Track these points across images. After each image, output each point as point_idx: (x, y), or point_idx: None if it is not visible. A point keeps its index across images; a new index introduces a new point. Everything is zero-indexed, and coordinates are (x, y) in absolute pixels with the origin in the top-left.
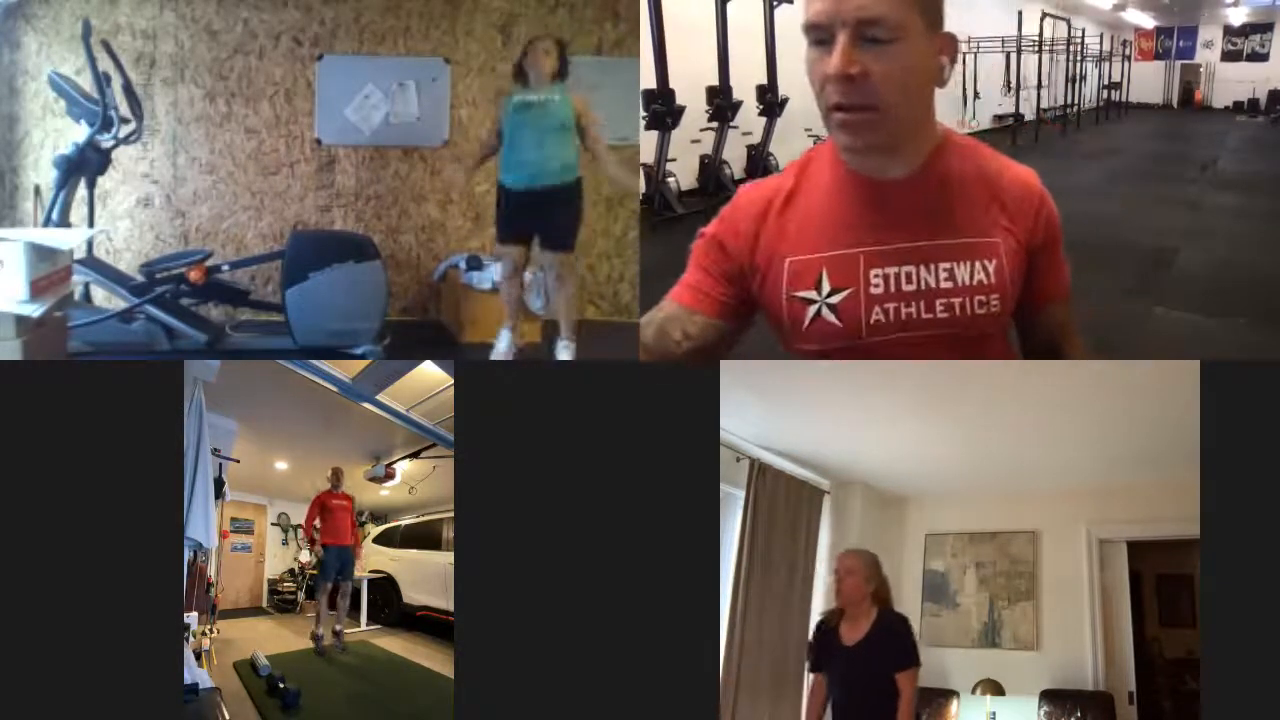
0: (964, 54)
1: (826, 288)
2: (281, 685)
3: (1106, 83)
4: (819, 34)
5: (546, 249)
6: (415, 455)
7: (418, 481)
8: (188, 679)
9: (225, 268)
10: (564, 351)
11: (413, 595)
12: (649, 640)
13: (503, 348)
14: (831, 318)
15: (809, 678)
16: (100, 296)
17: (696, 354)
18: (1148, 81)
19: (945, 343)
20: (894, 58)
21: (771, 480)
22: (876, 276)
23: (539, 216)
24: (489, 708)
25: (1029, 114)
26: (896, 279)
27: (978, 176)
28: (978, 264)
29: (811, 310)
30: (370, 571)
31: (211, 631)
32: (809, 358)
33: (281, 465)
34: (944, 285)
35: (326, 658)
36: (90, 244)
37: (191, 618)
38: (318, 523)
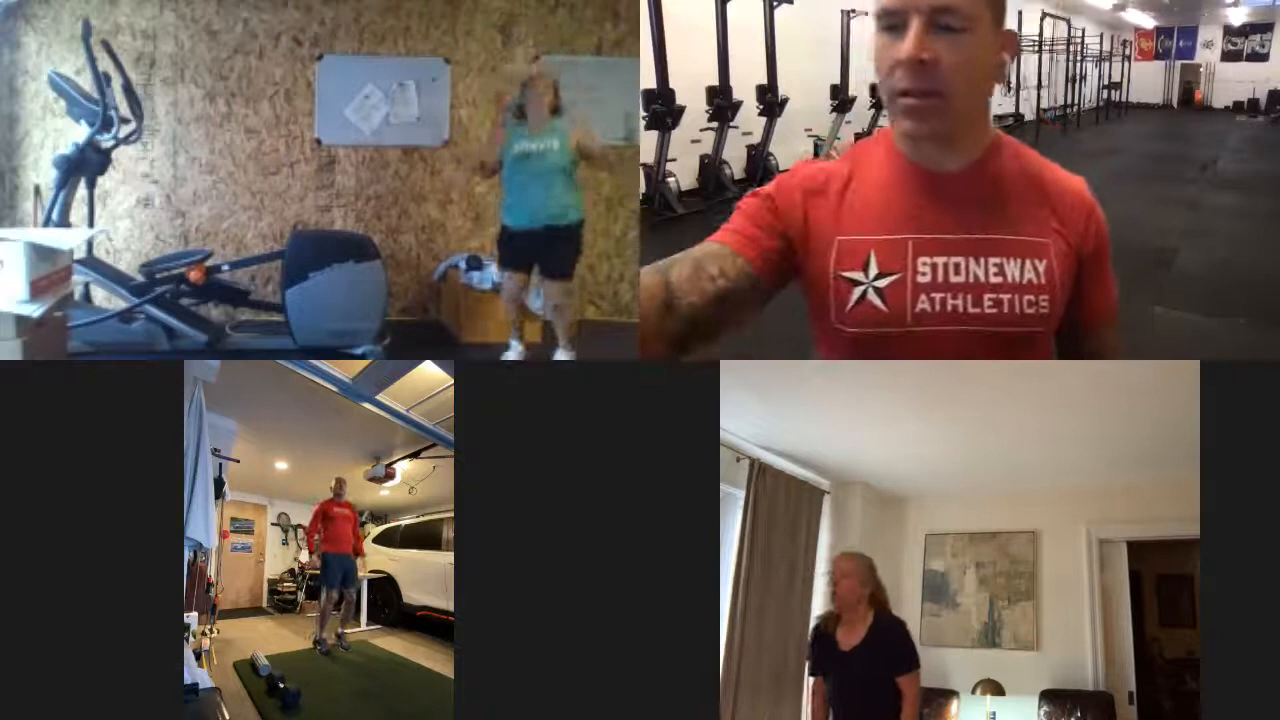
0: None
1: (874, 270)
2: (281, 685)
3: (1106, 83)
4: (891, 19)
5: (546, 277)
6: (415, 455)
7: (418, 481)
8: (188, 679)
9: (225, 268)
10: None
11: (413, 595)
12: (649, 640)
13: (512, 357)
14: (877, 301)
15: (809, 681)
16: (100, 296)
17: (723, 300)
18: (1148, 81)
19: (989, 340)
20: (963, 47)
21: (771, 480)
22: (924, 265)
23: (539, 250)
24: (489, 708)
25: (1029, 114)
26: (945, 269)
27: (1030, 178)
28: (1028, 262)
29: (857, 292)
30: (370, 571)
31: (211, 631)
32: (850, 341)
33: (281, 465)
34: (993, 280)
35: (330, 657)
36: (90, 244)
37: (191, 618)
38: (319, 533)
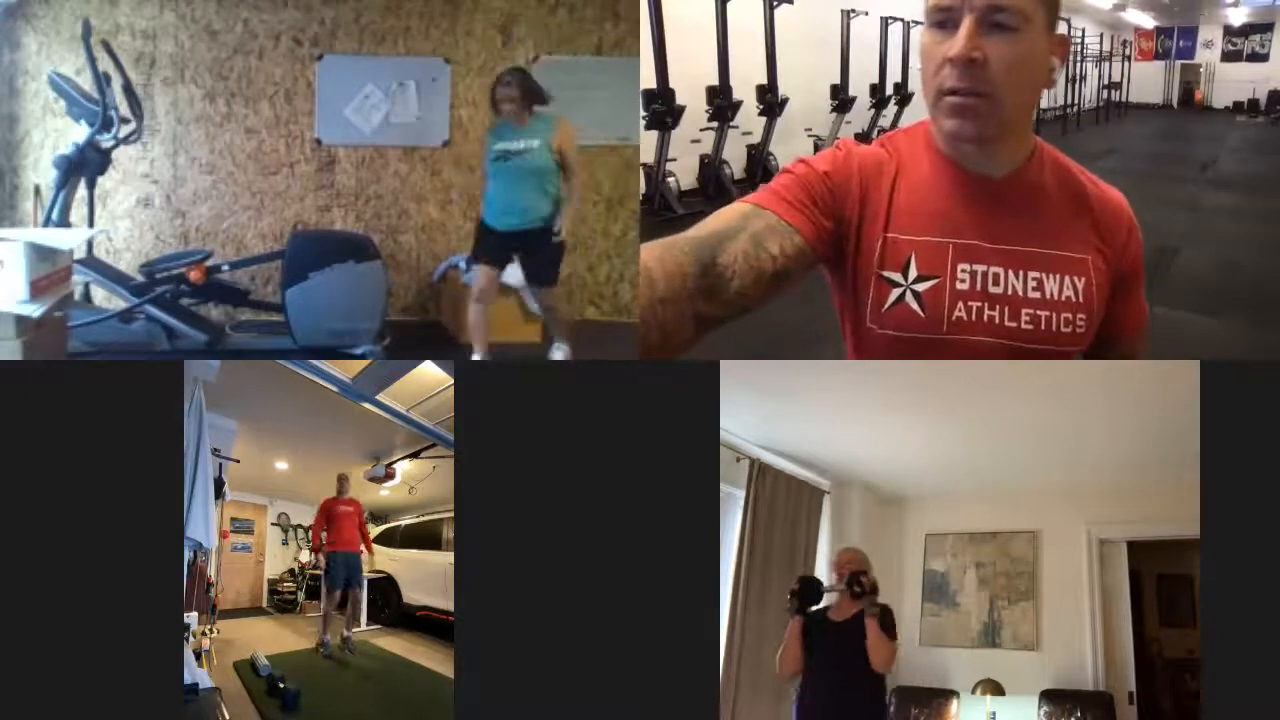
0: None
1: (914, 273)
2: (281, 685)
3: (1106, 83)
4: (942, 16)
5: (532, 284)
6: (415, 455)
7: (418, 481)
8: (188, 679)
9: (225, 268)
10: (558, 354)
11: (413, 595)
12: (649, 640)
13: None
14: (915, 305)
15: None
16: (100, 296)
17: (779, 281)
18: (1148, 81)
19: (1022, 356)
20: (1015, 47)
21: (771, 480)
22: (963, 271)
23: (520, 252)
24: (489, 708)
25: None
26: (984, 278)
27: (1071, 190)
28: (1067, 279)
29: (895, 293)
30: (370, 571)
31: (211, 631)
32: (882, 343)
33: (281, 465)
34: (1031, 295)
35: (330, 658)
36: (90, 244)
37: (191, 618)
38: (325, 531)
